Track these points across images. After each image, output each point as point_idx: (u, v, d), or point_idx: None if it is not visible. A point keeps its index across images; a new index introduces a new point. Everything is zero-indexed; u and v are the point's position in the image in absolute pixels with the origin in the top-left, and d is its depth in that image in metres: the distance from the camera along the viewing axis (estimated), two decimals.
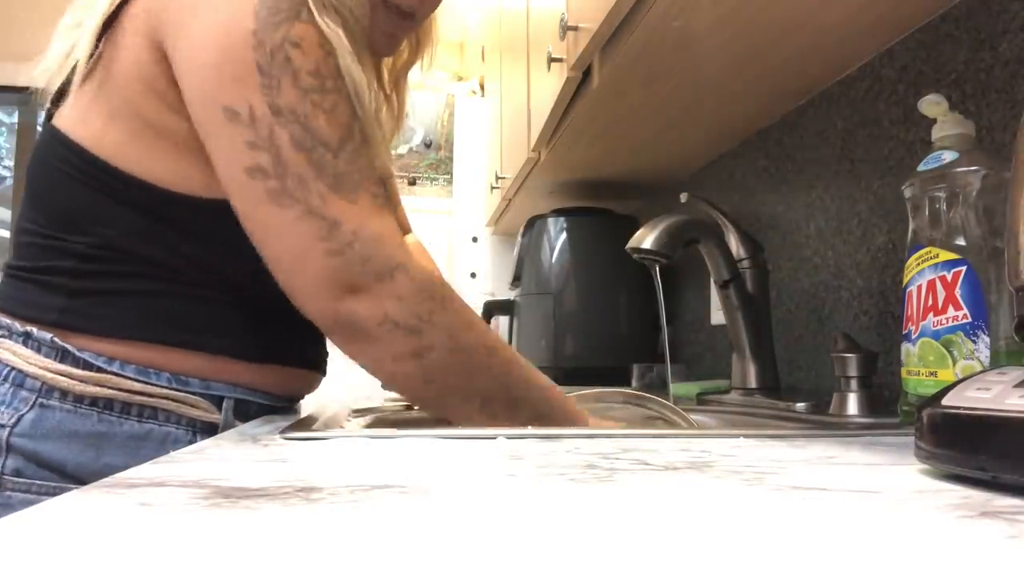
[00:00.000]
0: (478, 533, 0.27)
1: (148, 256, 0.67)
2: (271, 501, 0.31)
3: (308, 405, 0.86)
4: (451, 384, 0.65)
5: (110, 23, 0.66)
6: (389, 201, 0.66)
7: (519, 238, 1.78)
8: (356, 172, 0.63)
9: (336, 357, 0.70)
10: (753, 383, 0.97)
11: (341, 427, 0.69)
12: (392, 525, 0.28)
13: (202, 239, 0.67)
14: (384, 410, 0.89)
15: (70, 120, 0.67)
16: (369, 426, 0.75)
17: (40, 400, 0.64)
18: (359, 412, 0.83)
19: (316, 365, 0.80)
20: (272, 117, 0.60)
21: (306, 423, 0.63)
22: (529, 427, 0.61)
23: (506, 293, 1.92)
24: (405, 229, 1.03)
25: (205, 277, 0.68)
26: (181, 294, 0.68)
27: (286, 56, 0.60)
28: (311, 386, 0.83)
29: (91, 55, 0.66)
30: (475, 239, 2.46)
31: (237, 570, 0.22)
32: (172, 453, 0.46)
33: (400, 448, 0.49)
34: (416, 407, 0.86)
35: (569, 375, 1.59)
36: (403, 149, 2.57)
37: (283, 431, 0.57)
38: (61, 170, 0.67)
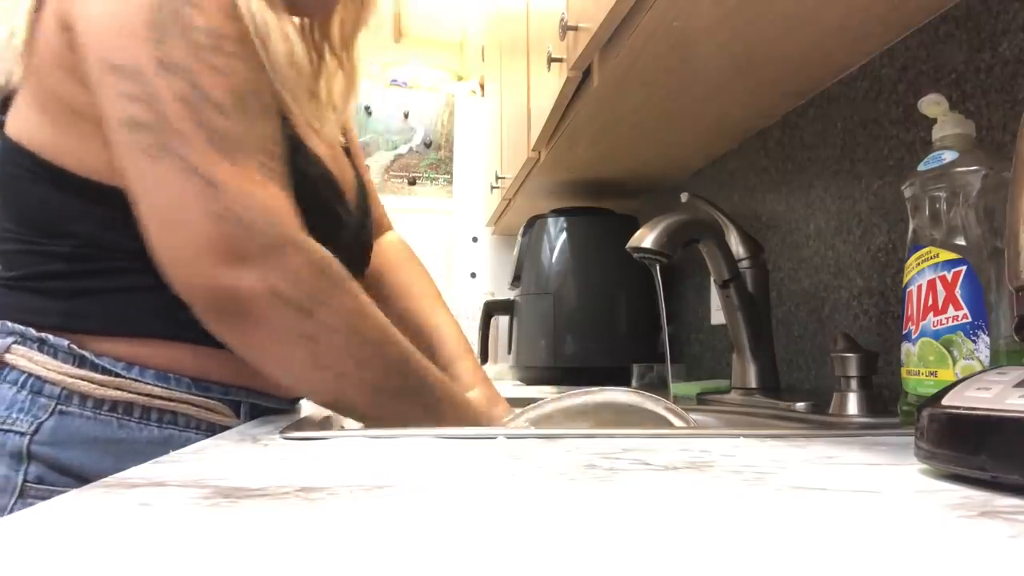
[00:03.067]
0: (478, 533, 0.27)
1: (132, 249, 0.64)
2: (271, 501, 0.31)
3: (308, 405, 0.86)
4: (345, 371, 0.60)
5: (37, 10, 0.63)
6: (285, 179, 0.61)
7: (519, 238, 1.78)
8: (248, 139, 0.58)
9: None
10: (753, 383, 0.97)
11: (341, 427, 0.69)
12: (392, 525, 0.28)
13: None
14: None
15: (14, 121, 0.66)
16: (369, 426, 0.75)
17: (60, 407, 0.63)
18: None
19: None
20: (156, 69, 0.56)
21: (306, 423, 0.63)
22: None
23: (506, 293, 1.92)
24: (383, 227, 1.00)
25: None
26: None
27: (181, 14, 0.57)
28: None
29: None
30: (475, 239, 2.46)
31: (237, 570, 0.22)
32: (172, 453, 0.46)
33: (400, 448, 0.49)
34: (304, 397, 0.78)
35: (569, 375, 1.59)
36: (403, 149, 2.57)
37: (283, 431, 0.57)
38: (19, 175, 0.66)
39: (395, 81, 2.70)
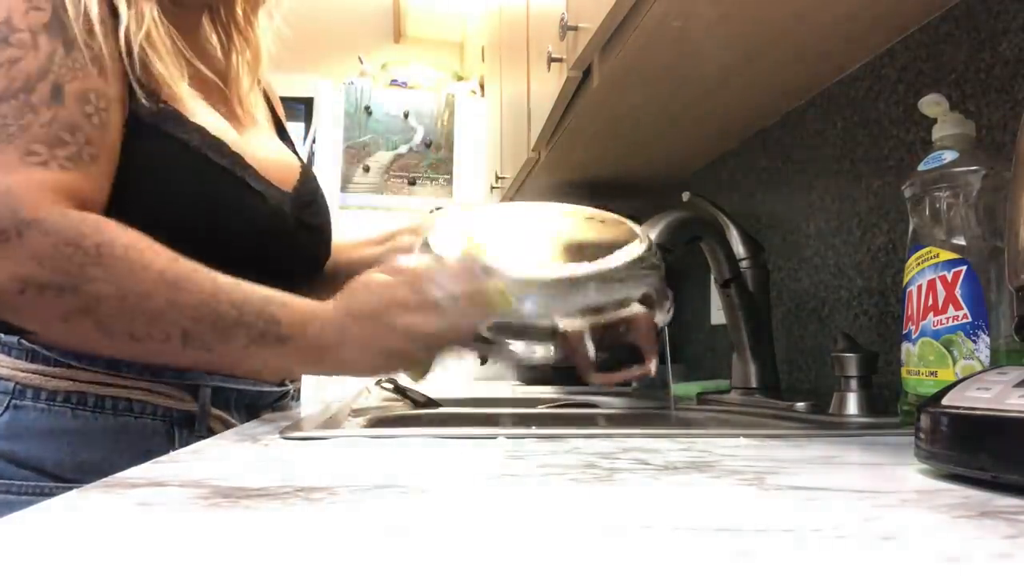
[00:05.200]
0: (478, 533, 0.27)
1: None
2: (271, 501, 0.31)
3: (308, 405, 0.86)
4: (136, 332, 0.58)
5: None
6: (80, 162, 0.59)
7: None
8: (13, 126, 0.57)
9: None
10: (753, 383, 0.97)
11: (341, 427, 0.69)
12: (392, 525, 0.28)
13: None
14: (384, 410, 0.89)
15: None
16: (369, 426, 0.75)
17: (14, 401, 0.63)
18: (359, 412, 0.83)
19: None
20: None
21: (306, 423, 0.63)
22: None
23: None
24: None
25: None
26: None
27: None
28: None
29: None
30: None
31: (237, 570, 0.22)
32: (172, 453, 0.46)
33: (400, 448, 0.49)
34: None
35: (569, 375, 1.59)
36: (403, 149, 2.57)
37: (283, 431, 0.57)
38: None
39: (395, 81, 2.70)
